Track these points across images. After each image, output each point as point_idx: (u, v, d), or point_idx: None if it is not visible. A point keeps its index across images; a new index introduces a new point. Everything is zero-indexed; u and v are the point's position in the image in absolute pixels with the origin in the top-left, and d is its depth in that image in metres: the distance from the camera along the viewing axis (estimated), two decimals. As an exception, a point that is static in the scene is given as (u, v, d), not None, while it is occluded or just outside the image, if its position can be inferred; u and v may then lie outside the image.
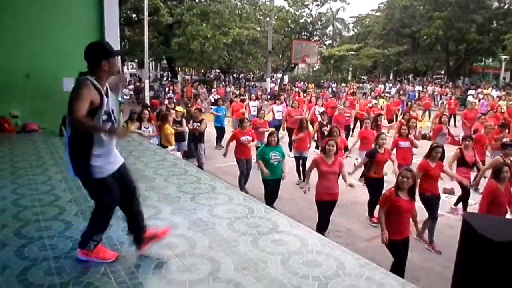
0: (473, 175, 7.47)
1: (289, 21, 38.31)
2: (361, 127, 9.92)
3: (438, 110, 15.33)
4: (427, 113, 19.76)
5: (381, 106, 17.35)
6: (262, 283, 3.01)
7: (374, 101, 17.01)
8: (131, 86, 24.40)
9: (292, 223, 4.26)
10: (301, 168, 8.86)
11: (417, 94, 28.47)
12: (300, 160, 8.89)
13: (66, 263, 3.17)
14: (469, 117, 13.34)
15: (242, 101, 15.05)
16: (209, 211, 4.42)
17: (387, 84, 37.94)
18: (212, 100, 18.26)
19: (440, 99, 26.87)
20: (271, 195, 7.07)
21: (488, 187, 5.22)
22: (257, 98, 15.92)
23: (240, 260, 3.34)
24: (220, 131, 12.81)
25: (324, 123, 10.52)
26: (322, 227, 5.90)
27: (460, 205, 7.29)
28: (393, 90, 31.09)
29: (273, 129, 8.78)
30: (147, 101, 19.25)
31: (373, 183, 6.85)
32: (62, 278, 2.96)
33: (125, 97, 20.98)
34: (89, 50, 3.06)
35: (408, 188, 4.70)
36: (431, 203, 6.03)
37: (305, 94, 22.18)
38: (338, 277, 3.14)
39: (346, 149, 8.30)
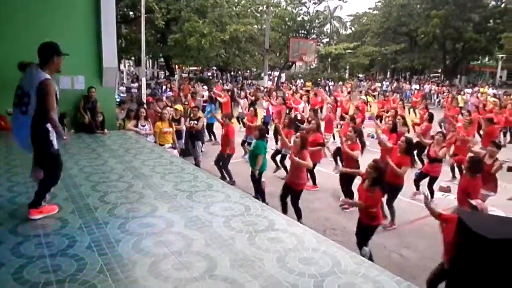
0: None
1: (287, 19, 38.32)
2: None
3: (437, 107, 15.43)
4: (412, 110, 19.96)
5: (369, 103, 17.55)
6: (258, 281, 3.02)
7: (363, 98, 17.32)
8: (123, 88, 24.28)
9: (288, 221, 4.27)
10: (277, 161, 9.33)
11: (414, 92, 28.51)
12: (279, 153, 9.28)
13: (62, 260, 3.17)
14: (452, 113, 13.57)
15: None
16: (206, 209, 4.42)
17: (384, 82, 38.00)
18: (205, 97, 18.44)
19: (437, 98, 26.98)
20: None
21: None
22: (245, 97, 16.86)
23: (236, 257, 3.35)
24: (210, 126, 12.86)
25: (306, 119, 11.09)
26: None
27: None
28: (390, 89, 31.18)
29: (261, 124, 9.02)
30: (144, 99, 19.19)
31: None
32: (58, 275, 2.96)
33: (122, 94, 20.88)
34: (43, 48, 3.85)
35: (371, 179, 4.92)
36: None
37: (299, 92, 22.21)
38: (334, 275, 3.16)
39: (322, 144, 8.48)
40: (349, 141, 7.40)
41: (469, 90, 27.71)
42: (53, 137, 3.88)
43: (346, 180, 7.34)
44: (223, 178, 8.45)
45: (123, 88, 23.35)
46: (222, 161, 8.75)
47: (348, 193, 7.22)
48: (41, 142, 3.82)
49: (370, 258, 4.79)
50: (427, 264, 5.38)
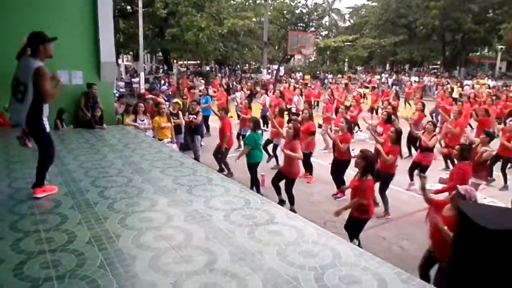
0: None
1: (285, 11, 38.15)
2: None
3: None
4: (406, 102, 20.18)
5: (365, 96, 17.70)
6: (258, 274, 3.02)
7: (359, 90, 17.49)
8: (121, 83, 24.22)
9: (288, 214, 4.27)
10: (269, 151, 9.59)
11: (414, 85, 28.51)
12: (270, 143, 9.52)
13: (62, 256, 3.16)
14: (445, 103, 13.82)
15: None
16: (206, 203, 4.42)
17: (383, 75, 37.92)
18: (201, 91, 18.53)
19: (436, 90, 26.95)
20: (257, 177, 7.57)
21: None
22: (242, 89, 17.39)
23: (236, 251, 3.35)
24: (206, 118, 12.89)
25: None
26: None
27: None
28: (390, 81, 31.14)
29: (255, 116, 9.16)
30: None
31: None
32: (58, 271, 2.96)
33: (121, 90, 20.81)
34: (30, 38, 4.19)
35: (361, 168, 5.03)
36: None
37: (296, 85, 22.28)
38: (334, 267, 3.16)
39: (312, 133, 8.66)
40: (341, 131, 7.76)
41: (469, 82, 27.68)
42: (45, 121, 4.29)
43: (337, 171, 7.69)
44: (221, 170, 8.48)
45: (121, 83, 23.27)
46: (220, 154, 8.79)
47: (339, 183, 7.55)
48: (35, 126, 4.22)
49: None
50: (427, 256, 5.40)
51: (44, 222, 3.77)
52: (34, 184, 4.41)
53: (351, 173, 6.27)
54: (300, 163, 7.12)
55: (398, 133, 7.00)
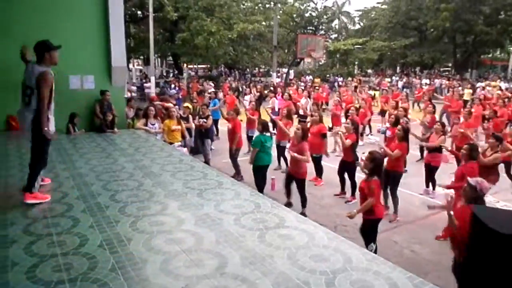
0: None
1: (294, 15, 38.13)
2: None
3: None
4: (416, 104, 20.11)
5: (375, 99, 17.69)
6: (269, 278, 3.01)
7: (370, 93, 17.45)
8: (134, 87, 24.42)
9: (298, 218, 4.25)
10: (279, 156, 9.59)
11: (424, 87, 28.28)
12: (278, 148, 9.43)
13: (74, 259, 3.19)
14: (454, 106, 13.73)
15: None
16: (216, 207, 4.42)
17: (393, 77, 37.67)
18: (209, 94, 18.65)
19: (447, 92, 26.69)
20: (265, 180, 7.48)
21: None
22: (250, 92, 17.90)
23: (247, 255, 3.35)
24: (215, 122, 12.93)
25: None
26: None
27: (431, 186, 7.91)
28: (400, 84, 30.91)
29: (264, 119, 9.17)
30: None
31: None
32: (70, 274, 2.98)
33: (133, 94, 20.97)
34: (36, 47, 4.33)
35: (369, 170, 5.04)
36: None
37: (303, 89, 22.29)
38: (345, 272, 3.13)
39: (324, 135, 8.67)
40: (346, 132, 7.86)
41: (482, 84, 27.37)
42: (51, 125, 4.41)
43: (343, 172, 7.80)
44: (236, 174, 8.49)
45: (133, 88, 23.42)
46: (231, 156, 8.79)
47: (352, 186, 7.65)
48: (39, 130, 4.29)
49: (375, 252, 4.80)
50: (439, 260, 5.35)
51: (56, 226, 3.81)
52: (24, 188, 4.48)
53: (360, 176, 6.22)
54: (310, 164, 7.14)
55: (405, 130, 7.07)
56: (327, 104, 18.32)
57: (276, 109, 13.50)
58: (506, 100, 13.82)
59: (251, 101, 12.88)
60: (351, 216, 5.09)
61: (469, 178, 4.02)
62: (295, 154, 6.61)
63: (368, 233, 5.15)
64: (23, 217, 4.01)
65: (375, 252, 4.87)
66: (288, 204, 6.50)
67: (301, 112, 13.54)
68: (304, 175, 6.85)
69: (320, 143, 8.44)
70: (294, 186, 6.94)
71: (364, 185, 5.10)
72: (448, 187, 6.05)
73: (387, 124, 9.14)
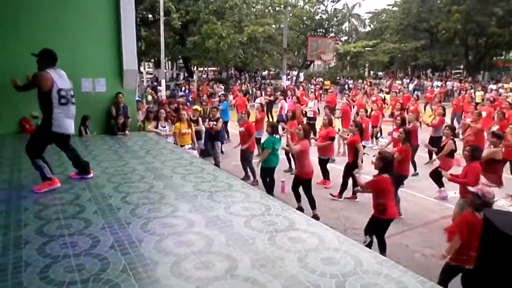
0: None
1: (304, 18, 38.18)
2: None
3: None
4: (428, 106, 19.99)
5: (386, 101, 17.71)
6: (279, 281, 3.01)
7: (380, 95, 17.47)
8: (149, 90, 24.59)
9: (308, 220, 4.24)
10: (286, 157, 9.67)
11: (435, 89, 28.07)
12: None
13: (86, 260, 3.22)
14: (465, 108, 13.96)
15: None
16: (226, 209, 4.43)
17: (404, 80, 37.44)
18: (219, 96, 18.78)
19: (459, 95, 26.48)
20: (273, 182, 7.62)
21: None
22: (261, 95, 18.39)
23: (257, 257, 3.35)
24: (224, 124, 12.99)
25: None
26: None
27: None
28: (411, 86, 30.72)
29: (273, 122, 9.22)
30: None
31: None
32: (82, 275, 3.01)
33: (154, 96, 21.03)
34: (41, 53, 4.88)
35: (379, 169, 5.11)
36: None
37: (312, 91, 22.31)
38: (356, 275, 3.12)
39: (331, 139, 8.79)
40: (351, 133, 8.03)
41: (494, 86, 27.09)
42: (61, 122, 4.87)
43: (348, 173, 7.81)
44: (246, 177, 8.51)
45: (150, 90, 23.55)
46: (245, 159, 8.80)
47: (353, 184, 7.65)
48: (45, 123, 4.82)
49: (369, 245, 4.86)
50: (451, 264, 5.29)
51: (69, 227, 3.85)
52: (42, 178, 5.01)
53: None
54: (316, 165, 7.22)
55: (407, 132, 7.09)
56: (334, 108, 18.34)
57: (285, 112, 13.52)
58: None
59: (260, 102, 12.93)
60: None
61: (470, 188, 4.04)
62: (290, 143, 6.87)
63: (372, 228, 5.18)
64: (37, 218, 4.06)
65: (369, 246, 4.84)
66: (300, 209, 6.48)
67: (310, 114, 13.55)
68: (308, 175, 6.87)
69: (328, 146, 8.55)
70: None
71: (372, 182, 5.16)
72: (452, 176, 6.15)
73: (394, 126, 9.19)
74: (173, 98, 16.62)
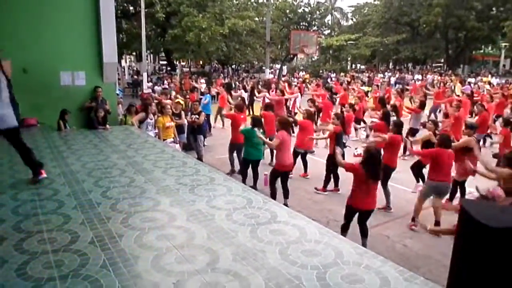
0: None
1: (287, 11, 38.08)
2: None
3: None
4: (412, 100, 20.29)
5: (367, 94, 18.06)
6: (260, 273, 3.02)
7: (362, 88, 17.83)
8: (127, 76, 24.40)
9: (290, 213, 4.27)
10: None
11: (417, 83, 28.41)
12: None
13: (65, 256, 3.17)
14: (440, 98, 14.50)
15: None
16: (208, 203, 4.42)
17: (386, 73, 37.81)
18: (202, 90, 18.62)
19: (439, 88, 26.88)
20: (257, 176, 7.58)
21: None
22: (244, 88, 18.82)
23: (238, 250, 3.36)
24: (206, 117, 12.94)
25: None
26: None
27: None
28: (392, 80, 31.04)
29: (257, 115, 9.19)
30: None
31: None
32: (61, 271, 2.97)
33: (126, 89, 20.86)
34: None
35: (363, 161, 5.12)
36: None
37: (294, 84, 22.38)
38: (336, 266, 3.15)
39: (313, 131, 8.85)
40: (333, 124, 7.97)
41: (473, 80, 27.58)
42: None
43: (329, 166, 7.81)
44: (231, 172, 8.47)
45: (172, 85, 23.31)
46: (233, 152, 8.73)
47: (329, 179, 7.82)
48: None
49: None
50: (430, 254, 5.40)
51: (47, 223, 3.79)
52: (33, 172, 5.01)
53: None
54: (291, 158, 7.23)
55: (397, 125, 7.16)
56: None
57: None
58: (496, 95, 14.02)
59: (239, 96, 12.96)
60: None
61: (479, 190, 4.08)
62: (263, 137, 6.97)
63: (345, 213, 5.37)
64: (14, 214, 3.98)
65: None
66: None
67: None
68: (281, 167, 6.83)
69: (304, 139, 8.44)
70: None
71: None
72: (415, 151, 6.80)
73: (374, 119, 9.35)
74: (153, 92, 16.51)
